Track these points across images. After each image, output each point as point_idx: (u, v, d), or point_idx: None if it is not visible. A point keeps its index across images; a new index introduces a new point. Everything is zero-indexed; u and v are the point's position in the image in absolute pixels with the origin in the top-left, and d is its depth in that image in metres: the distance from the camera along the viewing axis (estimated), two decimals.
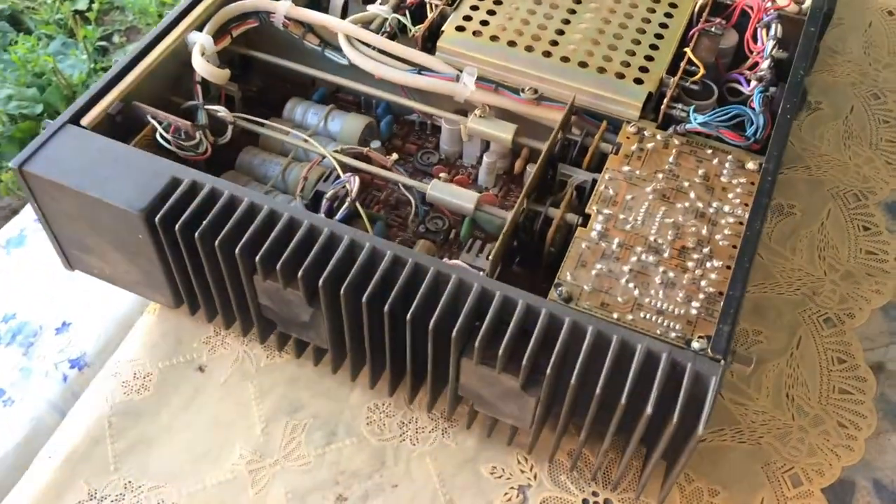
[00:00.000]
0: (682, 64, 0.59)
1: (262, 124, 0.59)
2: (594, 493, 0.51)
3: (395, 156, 0.58)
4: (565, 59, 0.60)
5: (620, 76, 0.59)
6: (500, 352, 0.44)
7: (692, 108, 0.56)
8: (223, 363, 0.56)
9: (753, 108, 0.56)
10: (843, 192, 0.67)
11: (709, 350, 0.44)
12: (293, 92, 0.64)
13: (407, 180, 0.56)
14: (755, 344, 0.58)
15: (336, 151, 0.57)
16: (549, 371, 0.44)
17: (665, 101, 0.57)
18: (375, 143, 0.61)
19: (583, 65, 0.59)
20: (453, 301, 0.46)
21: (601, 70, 0.59)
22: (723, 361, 0.44)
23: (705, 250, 0.50)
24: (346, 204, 0.53)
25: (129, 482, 0.51)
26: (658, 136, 0.55)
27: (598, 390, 0.43)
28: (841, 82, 0.75)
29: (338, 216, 0.53)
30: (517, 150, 0.60)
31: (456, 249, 0.57)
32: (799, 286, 0.61)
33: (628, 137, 0.56)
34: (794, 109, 0.56)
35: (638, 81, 0.58)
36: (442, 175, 0.56)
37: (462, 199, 0.54)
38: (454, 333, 0.45)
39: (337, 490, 0.51)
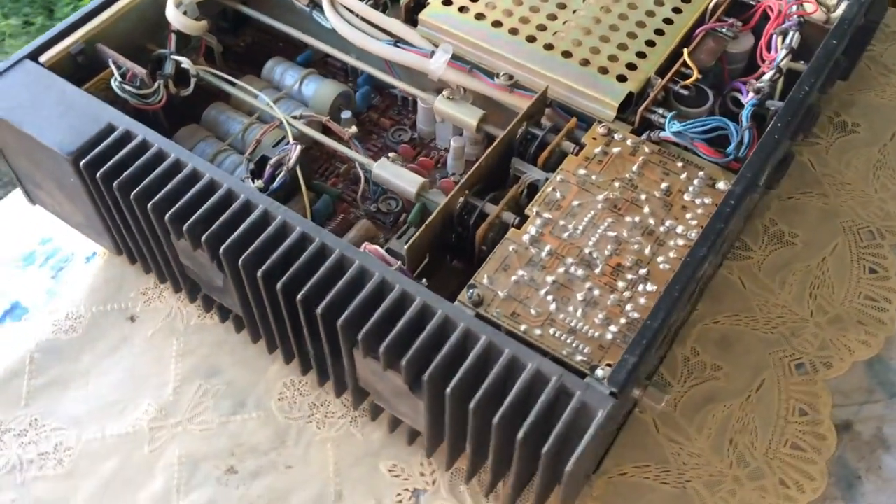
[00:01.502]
0: (677, 65, 0.54)
1: (229, 81, 0.57)
2: None
3: (353, 129, 0.55)
4: (549, 47, 0.55)
5: (604, 71, 0.54)
6: (383, 348, 0.41)
7: (672, 114, 0.51)
8: (155, 316, 0.56)
9: (740, 123, 0.51)
10: (857, 228, 0.60)
11: (605, 381, 0.40)
12: (282, 52, 0.63)
13: (357, 156, 0.54)
14: (711, 380, 0.53)
15: (294, 117, 0.55)
16: (426, 375, 0.41)
17: (645, 103, 0.52)
18: (346, 114, 0.59)
19: (566, 55, 0.55)
20: (349, 288, 0.43)
21: (584, 63, 0.55)
22: (616, 396, 0.40)
23: (642, 271, 0.45)
24: (282, 171, 0.51)
25: (36, 419, 0.51)
26: (628, 141, 0.51)
27: (472, 404, 0.40)
28: (888, 105, 0.67)
29: (274, 184, 0.51)
30: (493, 138, 0.57)
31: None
32: (777, 324, 0.55)
33: (595, 138, 0.51)
34: (789, 130, 0.51)
35: (621, 79, 0.54)
36: (391, 154, 0.54)
37: (405, 181, 0.51)
38: (340, 321, 0.42)
39: (230, 461, 0.50)
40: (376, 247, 0.47)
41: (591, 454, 0.41)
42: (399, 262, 0.46)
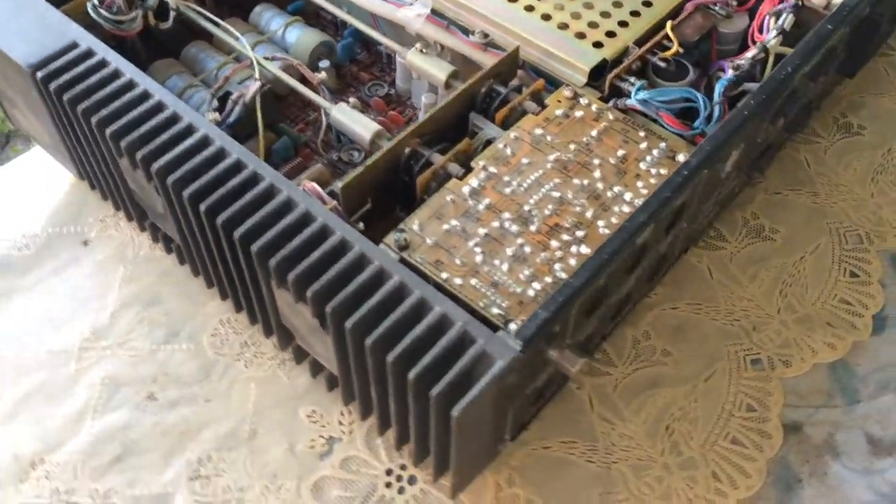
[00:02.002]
0: (658, 36, 0.52)
1: (211, 20, 0.57)
2: (402, 467, 0.47)
3: (323, 75, 0.55)
4: (530, 8, 0.54)
5: (581, 36, 0.52)
6: (292, 276, 0.40)
7: (641, 83, 0.49)
8: (108, 243, 0.56)
9: (712, 98, 0.49)
10: (844, 230, 0.57)
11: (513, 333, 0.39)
12: (274, 0, 0.63)
13: (321, 100, 0.53)
14: (659, 365, 0.50)
15: (266, 58, 0.55)
16: (329, 308, 0.39)
17: (616, 70, 0.50)
18: (324, 63, 0.58)
19: (546, 17, 0.53)
20: (272, 217, 0.42)
21: (563, 26, 0.53)
22: (519, 349, 0.38)
23: (579, 233, 0.43)
24: (237, 106, 0.51)
25: None
26: (593, 107, 0.49)
27: (369, 341, 0.38)
28: None
29: (231, 118, 0.51)
30: None
31: None
32: (740, 317, 0.53)
33: (559, 101, 0.49)
34: (764, 111, 0.48)
35: (598, 45, 0.52)
36: (352, 100, 0.53)
37: (361, 126, 0.50)
38: (255, 247, 0.41)
39: (152, 388, 0.49)
40: (314, 184, 0.46)
41: (490, 409, 0.39)
42: (335, 202, 0.45)
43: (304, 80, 0.54)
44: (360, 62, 0.61)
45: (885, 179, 0.60)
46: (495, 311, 0.41)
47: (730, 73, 0.50)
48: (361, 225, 0.46)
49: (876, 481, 0.46)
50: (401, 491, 0.46)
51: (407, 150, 0.48)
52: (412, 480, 0.46)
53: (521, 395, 0.43)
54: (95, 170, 0.53)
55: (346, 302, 0.40)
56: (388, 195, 0.49)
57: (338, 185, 0.46)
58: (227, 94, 0.52)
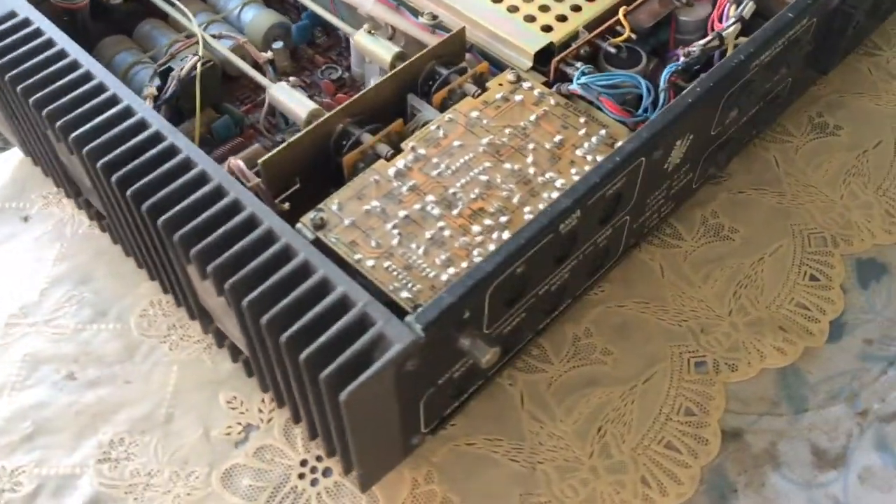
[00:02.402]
0: (610, 21, 0.50)
1: None
2: (319, 458, 0.45)
3: (269, 54, 0.53)
4: None
5: (530, 19, 0.51)
6: (194, 251, 0.39)
7: (585, 68, 0.47)
8: (47, 220, 0.55)
9: (657, 84, 0.46)
10: (809, 232, 0.54)
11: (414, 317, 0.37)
12: None
13: (260, 77, 0.51)
14: (597, 364, 0.48)
15: (214, 36, 0.54)
16: (228, 284, 0.38)
17: (562, 54, 0.48)
18: (278, 44, 0.57)
19: (497, 0, 0.52)
20: (183, 191, 0.41)
21: (512, 9, 0.51)
22: (420, 333, 0.36)
23: (503, 219, 0.42)
24: (174, 81, 0.50)
25: None
26: (535, 91, 0.47)
27: (264, 319, 0.37)
28: (881, 112, 0.61)
29: (167, 93, 0.50)
30: None
31: None
32: (689, 317, 0.50)
33: (501, 84, 0.48)
34: (710, 98, 0.46)
35: (546, 29, 0.50)
36: (292, 79, 0.51)
37: (297, 104, 0.49)
38: (161, 221, 0.40)
39: (72, 367, 0.48)
40: (239, 161, 0.45)
41: (393, 398, 0.37)
42: (258, 180, 0.44)
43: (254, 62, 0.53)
44: (318, 46, 0.60)
45: (858, 182, 0.57)
46: (404, 294, 0.39)
47: (682, 59, 0.48)
48: (287, 205, 0.45)
49: (816, 495, 0.44)
50: (314, 483, 0.44)
51: (338, 128, 0.46)
52: (327, 473, 0.44)
53: (434, 385, 0.41)
54: (34, 144, 0.52)
55: (246, 279, 0.38)
56: (320, 176, 0.47)
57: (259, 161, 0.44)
58: (170, 69, 0.51)
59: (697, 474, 0.44)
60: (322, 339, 0.36)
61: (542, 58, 0.49)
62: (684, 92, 0.45)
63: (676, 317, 0.50)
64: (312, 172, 0.46)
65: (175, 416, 0.46)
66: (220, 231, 0.39)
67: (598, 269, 0.49)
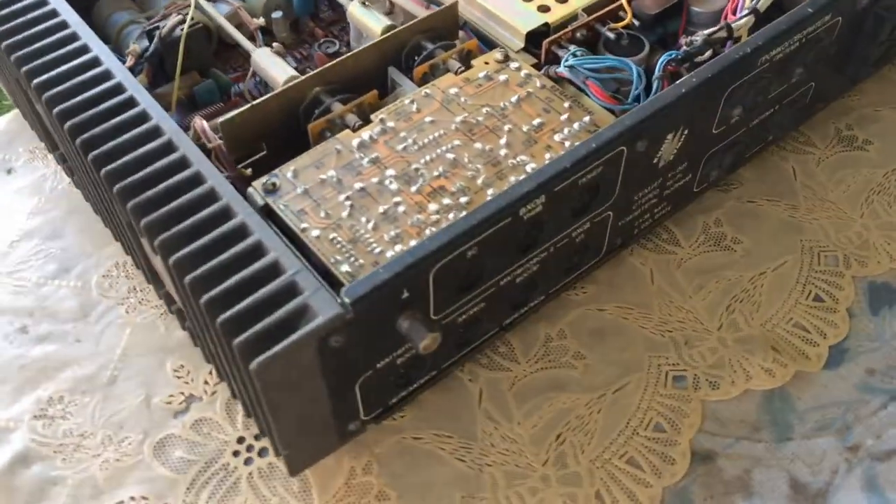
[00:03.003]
0: (612, 6, 0.47)
1: None
2: (258, 437, 0.43)
3: (260, 20, 0.52)
4: None
5: None
6: (131, 204, 0.37)
7: (577, 50, 0.44)
8: (30, 174, 0.54)
9: (651, 73, 0.43)
10: (820, 250, 0.50)
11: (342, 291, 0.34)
12: None
13: (244, 41, 0.50)
14: (567, 368, 0.45)
15: (210, 0, 0.53)
16: (158, 240, 0.36)
17: (555, 36, 0.45)
18: (277, 14, 0.55)
19: None
20: (131, 144, 0.39)
21: None
22: (347, 306, 0.34)
23: (463, 199, 0.39)
24: (155, 40, 0.48)
25: None
26: (522, 72, 0.44)
27: (188, 278, 0.35)
28: None
29: (147, 52, 0.49)
30: None
31: None
32: (674, 328, 0.46)
33: (487, 63, 0.45)
34: (706, 90, 0.42)
35: (543, 9, 0.47)
36: (275, 45, 0.50)
37: (277, 70, 0.47)
38: (103, 171, 0.38)
39: (26, 321, 0.47)
40: (203, 121, 0.43)
41: (319, 375, 0.35)
42: (220, 142, 0.42)
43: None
44: (322, 20, 0.58)
45: (881, 201, 0.52)
46: (345, 268, 0.36)
47: (684, 49, 0.44)
48: (249, 171, 0.43)
49: None
50: (248, 462, 0.42)
51: (310, 95, 0.44)
52: (263, 453, 0.42)
53: (371, 368, 0.38)
54: (17, 95, 0.51)
55: (178, 236, 0.36)
56: (289, 144, 0.45)
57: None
58: (155, 27, 0.50)
59: (658, 495, 0.40)
60: (243, 304, 0.34)
61: (539, 40, 0.46)
62: (678, 81, 0.42)
63: (661, 326, 0.47)
64: (280, 139, 0.44)
65: (119, 379, 0.45)
66: (160, 187, 0.38)
67: (577, 266, 0.46)
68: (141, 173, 0.38)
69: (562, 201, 0.40)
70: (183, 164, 0.39)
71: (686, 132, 0.44)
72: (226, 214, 0.37)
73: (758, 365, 0.45)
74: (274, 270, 0.35)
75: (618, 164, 0.41)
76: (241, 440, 0.43)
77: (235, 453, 0.42)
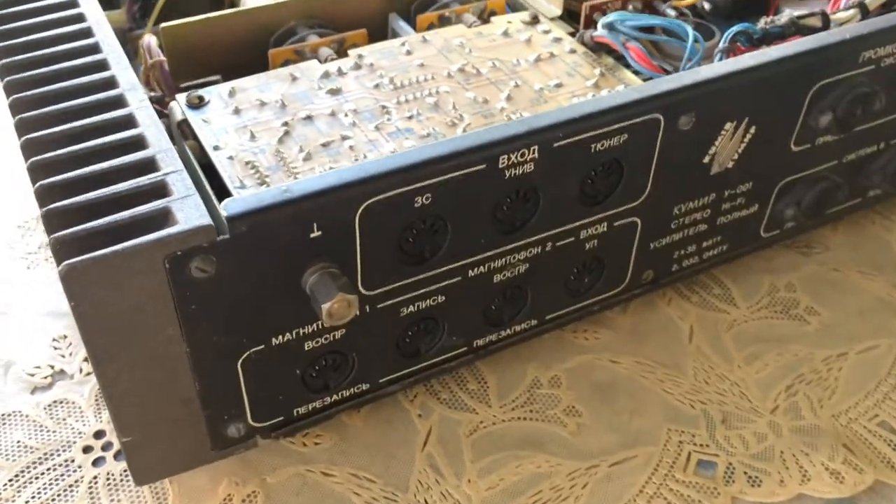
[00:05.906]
0: None
1: None
2: None
3: None
4: None
5: None
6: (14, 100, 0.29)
7: (618, 11, 0.35)
8: None
9: (714, 44, 0.33)
10: None
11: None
12: None
13: None
14: (553, 423, 0.33)
15: None
16: (23, 141, 0.27)
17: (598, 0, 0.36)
18: None
19: None
20: (51, 42, 0.32)
21: None
22: (221, 220, 0.24)
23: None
24: None
25: None
26: (551, 36, 0.35)
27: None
28: None
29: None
30: None
31: None
32: (709, 401, 0.34)
33: (510, 22, 0.36)
34: (778, 68, 0.32)
35: None
36: None
37: None
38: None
39: None
40: (153, 37, 0.36)
41: (161, 315, 0.25)
42: (163, 58, 0.35)
43: None
44: None
45: None
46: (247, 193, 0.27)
47: (761, 27, 0.34)
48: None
49: None
50: (97, 462, 0.31)
51: (287, 24, 0.36)
52: (120, 456, 0.31)
53: (262, 341, 0.27)
54: None
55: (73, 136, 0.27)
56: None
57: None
58: None
59: None
60: (88, 195, 0.24)
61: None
62: (748, 53, 0.32)
63: (692, 395, 0.34)
64: (241, 69, 0.35)
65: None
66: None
67: (586, 290, 0.34)
68: (46, 70, 0.30)
69: (564, 168, 0.29)
70: (92, 49, 0.31)
71: (753, 130, 0.33)
72: (116, 104, 0.28)
73: (821, 464, 0.32)
74: (144, 167, 0.25)
75: (652, 139, 0.30)
76: (99, 434, 0.32)
77: (86, 449, 0.32)
